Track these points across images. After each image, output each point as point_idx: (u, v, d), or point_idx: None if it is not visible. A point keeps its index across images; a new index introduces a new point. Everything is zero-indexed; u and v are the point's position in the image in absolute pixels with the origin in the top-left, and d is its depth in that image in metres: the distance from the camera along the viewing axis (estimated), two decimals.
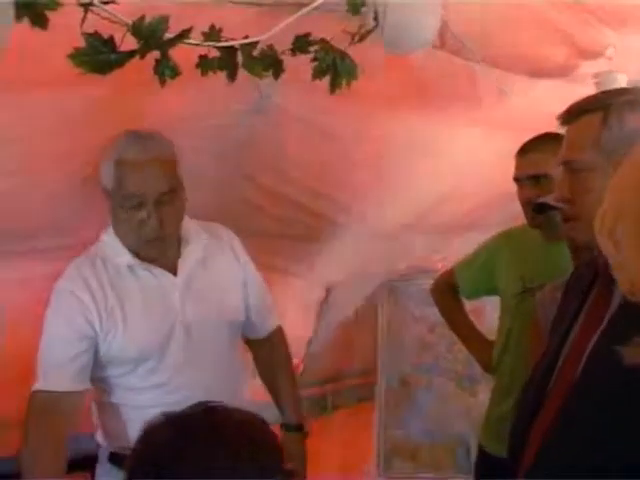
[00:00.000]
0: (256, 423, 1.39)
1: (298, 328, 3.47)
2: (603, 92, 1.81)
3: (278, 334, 2.64)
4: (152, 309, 2.26)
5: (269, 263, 2.75)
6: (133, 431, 2.18)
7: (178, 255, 2.32)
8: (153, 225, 2.19)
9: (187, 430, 1.33)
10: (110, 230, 2.28)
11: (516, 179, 2.65)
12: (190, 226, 2.34)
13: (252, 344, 2.61)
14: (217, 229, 2.45)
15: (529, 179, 2.59)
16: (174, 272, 2.30)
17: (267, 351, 2.62)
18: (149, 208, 2.17)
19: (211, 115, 2.28)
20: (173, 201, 2.21)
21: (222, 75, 1.72)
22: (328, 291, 3.67)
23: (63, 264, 2.25)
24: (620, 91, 1.73)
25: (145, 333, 2.25)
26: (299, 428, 2.53)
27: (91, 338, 2.21)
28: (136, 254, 2.26)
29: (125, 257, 2.26)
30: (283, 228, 3.04)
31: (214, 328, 2.35)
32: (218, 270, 2.39)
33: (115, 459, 2.33)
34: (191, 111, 2.23)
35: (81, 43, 1.47)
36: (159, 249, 2.26)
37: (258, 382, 2.66)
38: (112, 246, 2.27)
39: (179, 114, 2.21)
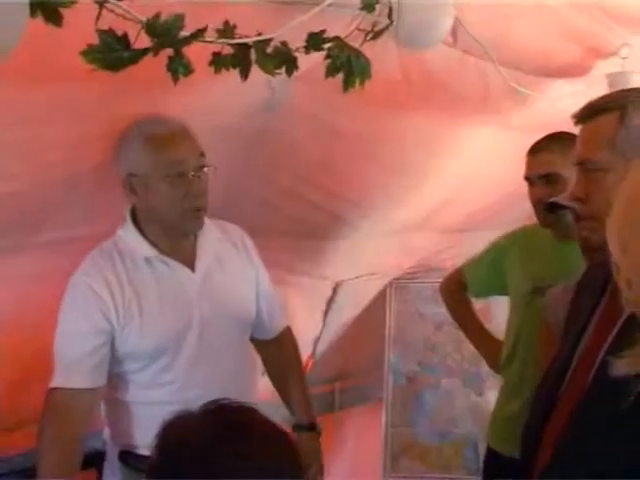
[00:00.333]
0: (275, 424, 1.40)
1: (306, 326, 3.47)
2: (619, 91, 1.79)
3: (287, 334, 2.63)
4: (169, 304, 2.24)
5: (277, 260, 2.74)
6: (143, 429, 2.22)
7: (194, 249, 2.31)
8: (197, 191, 2.18)
9: (216, 429, 1.32)
10: (128, 224, 2.26)
11: (527, 178, 2.65)
12: (205, 221, 2.32)
13: (261, 345, 2.58)
14: (230, 228, 2.45)
15: (540, 178, 2.58)
16: (191, 267, 2.29)
17: (276, 352, 2.61)
18: (192, 174, 2.16)
19: (222, 113, 2.26)
20: (203, 171, 2.21)
21: (233, 72, 1.71)
22: (336, 289, 3.66)
23: (76, 258, 2.23)
24: (637, 91, 1.71)
25: (162, 328, 2.23)
26: (312, 427, 2.52)
27: (108, 333, 2.19)
28: (155, 246, 2.24)
29: (145, 248, 2.24)
30: (292, 226, 3.03)
31: (228, 326, 2.34)
32: (233, 268, 2.38)
33: (124, 457, 2.32)
34: (202, 109, 2.22)
35: (92, 40, 1.46)
36: (195, 224, 2.25)
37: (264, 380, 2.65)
38: (131, 239, 2.25)
39: (190, 111, 2.20)
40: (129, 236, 2.25)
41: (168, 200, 2.18)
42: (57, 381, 2.18)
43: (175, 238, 2.27)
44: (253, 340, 2.53)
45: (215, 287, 2.31)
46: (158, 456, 1.35)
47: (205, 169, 2.22)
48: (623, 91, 1.81)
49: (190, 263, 2.29)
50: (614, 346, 1.59)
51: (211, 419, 1.36)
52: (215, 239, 2.36)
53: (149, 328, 2.21)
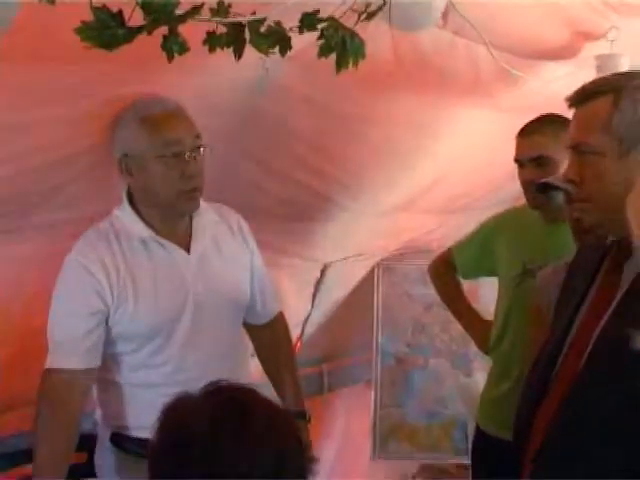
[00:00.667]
0: (275, 404, 1.43)
1: (294, 308, 3.47)
2: (613, 75, 1.79)
3: (279, 320, 2.62)
4: (164, 285, 2.24)
5: (266, 242, 2.73)
6: (136, 411, 2.23)
7: (189, 231, 2.31)
8: (193, 172, 2.18)
9: (217, 411, 1.33)
10: (124, 205, 2.26)
11: (517, 160, 2.65)
12: (201, 204, 2.31)
13: (253, 330, 2.57)
14: (226, 211, 2.44)
15: (531, 161, 2.59)
16: (186, 249, 2.29)
17: (268, 337, 2.60)
18: (188, 155, 2.16)
19: (214, 93, 2.26)
20: (199, 151, 2.20)
21: (225, 52, 1.70)
22: (324, 271, 3.67)
23: (70, 240, 2.22)
24: (632, 74, 1.72)
25: (156, 309, 2.22)
26: (302, 415, 2.50)
27: (102, 313, 2.19)
28: (151, 227, 2.24)
29: (141, 229, 2.23)
30: (281, 207, 3.03)
31: (222, 309, 2.34)
32: (228, 251, 2.38)
33: (116, 440, 2.32)
34: (194, 89, 2.21)
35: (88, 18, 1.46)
36: (191, 205, 2.24)
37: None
38: (127, 219, 2.24)
39: (181, 92, 2.19)
40: (125, 217, 2.25)
41: (163, 180, 2.17)
42: (53, 362, 2.18)
43: (171, 219, 2.27)
44: (245, 325, 2.52)
45: (210, 269, 2.31)
46: (160, 438, 1.36)
47: (201, 150, 2.21)
48: (616, 75, 1.81)
49: (186, 245, 2.29)
50: (609, 327, 1.61)
51: (212, 400, 1.37)
52: (211, 222, 2.35)
53: (143, 309, 2.21)
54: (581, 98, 1.67)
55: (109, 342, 2.24)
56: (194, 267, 2.28)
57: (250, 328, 2.55)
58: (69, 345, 2.18)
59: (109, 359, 2.27)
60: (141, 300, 2.20)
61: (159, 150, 2.15)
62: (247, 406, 1.35)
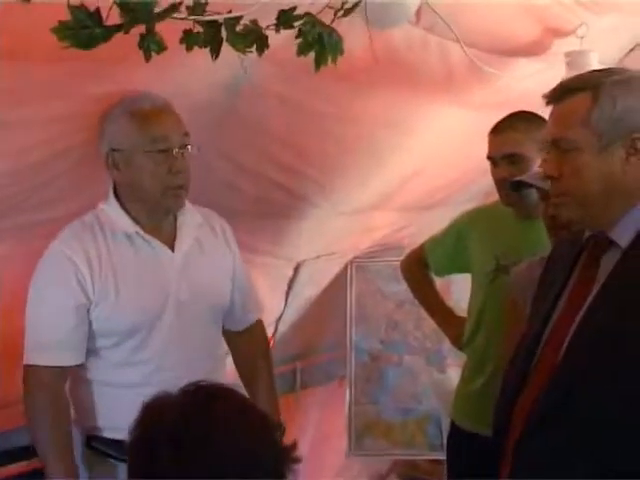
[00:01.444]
0: (253, 405, 1.43)
1: (268, 306, 3.45)
2: (591, 72, 1.82)
3: (258, 327, 2.60)
4: (146, 281, 2.22)
5: (239, 240, 2.71)
6: (113, 411, 2.21)
7: (174, 230, 2.29)
8: (179, 168, 2.18)
9: (188, 407, 1.33)
10: (110, 199, 2.24)
11: (490, 158, 2.66)
12: (186, 204, 2.31)
13: (231, 336, 2.53)
14: (210, 214, 2.43)
15: (504, 158, 2.60)
16: (171, 247, 2.27)
17: (246, 345, 2.56)
18: (175, 152, 2.16)
19: (188, 92, 2.25)
20: (187, 149, 2.21)
21: (199, 51, 1.69)
22: (297, 269, 3.66)
23: (49, 240, 2.20)
24: (610, 71, 1.74)
25: (137, 306, 2.20)
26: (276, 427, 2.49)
27: (85, 306, 2.17)
28: (137, 222, 2.23)
29: (127, 224, 2.22)
30: (254, 206, 3.02)
31: (204, 310, 2.32)
32: (211, 253, 2.37)
33: (90, 443, 2.29)
34: (167, 88, 2.20)
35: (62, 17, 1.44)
36: (176, 201, 2.23)
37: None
38: (112, 213, 2.22)
39: (158, 90, 2.18)
40: (111, 211, 2.23)
41: (150, 176, 2.17)
42: (41, 359, 2.15)
43: (156, 216, 2.26)
44: (223, 330, 2.48)
45: (193, 269, 2.30)
46: (135, 435, 1.35)
47: (189, 148, 2.21)
48: (595, 71, 1.84)
49: (170, 243, 2.28)
50: (586, 319, 1.63)
51: (187, 398, 1.37)
52: (196, 223, 2.34)
53: (124, 305, 2.19)
54: (559, 94, 1.69)
55: (89, 337, 2.21)
56: (178, 266, 2.26)
57: (228, 334, 2.51)
58: (58, 340, 2.15)
59: (88, 355, 2.24)
60: (122, 295, 2.18)
61: (147, 145, 2.15)
62: (221, 404, 1.35)
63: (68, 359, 2.18)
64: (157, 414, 1.35)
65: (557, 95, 1.69)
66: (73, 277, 2.14)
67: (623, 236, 1.65)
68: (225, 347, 2.58)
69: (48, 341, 2.16)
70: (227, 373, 2.57)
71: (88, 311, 2.18)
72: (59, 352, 2.16)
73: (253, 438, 1.34)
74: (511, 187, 2.38)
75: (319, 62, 1.75)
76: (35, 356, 2.16)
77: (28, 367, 2.16)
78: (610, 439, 1.55)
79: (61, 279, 2.15)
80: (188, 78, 2.15)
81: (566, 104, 1.67)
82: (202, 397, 1.37)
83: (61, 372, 2.17)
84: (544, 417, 1.63)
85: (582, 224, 1.73)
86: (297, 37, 1.73)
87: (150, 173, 2.16)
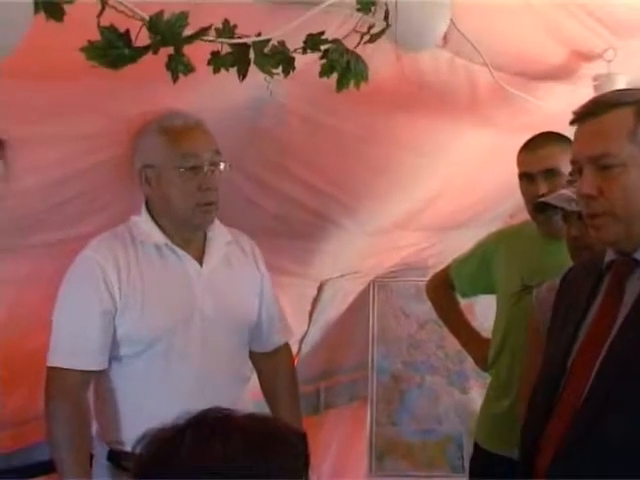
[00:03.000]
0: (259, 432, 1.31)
1: (292, 326, 3.46)
2: (623, 90, 1.78)
3: (285, 351, 2.59)
4: (173, 293, 2.25)
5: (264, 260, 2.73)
6: (136, 425, 2.18)
7: (203, 245, 2.32)
8: (210, 185, 2.21)
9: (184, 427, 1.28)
10: (142, 213, 2.28)
11: (525, 174, 2.63)
12: (215, 221, 2.34)
13: (257, 358, 2.52)
14: (240, 235, 2.46)
15: (541, 173, 2.58)
16: (199, 262, 2.29)
17: (272, 367, 2.55)
18: (206, 169, 2.19)
19: (213, 111, 2.27)
20: (218, 167, 2.24)
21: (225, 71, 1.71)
22: (320, 288, 3.66)
23: (71, 258, 2.22)
24: None
25: (161, 315, 2.22)
26: None
27: (111, 313, 2.19)
28: (167, 235, 2.25)
29: (157, 235, 2.25)
30: (278, 225, 3.03)
31: (229, 325, 2.33)
32: (239, 271, 2.39)
33: (114, 457, 2.28)
34: (192, 106, 2.22)
35: (91, 37, 1.46)
36: (206, 218, 2.26)
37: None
38: (144, 225, 2.26)
39: (179, 109, 2.20)
40: (142, 223, 2.27)
41: (180, 192, 2.20)
42: (66, 361, 2.16)
43: (186, 231, 2.29)
44: (250, 353, 2.48)
45: (220, 285, 2.31)
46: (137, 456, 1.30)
47: (221, 166, 2.24)
48: (628, 89, 1.81)
49: (199, 257, 2.30)
50: (616, 344, 1.61)
51: (189, 422, 1.30)
52: (225, 240, 2.37)
53: (149, 313, 2.20)
54: (596, 109, 1.63)
55: (113, 345, 2.22)
56: (205, 280, 2.28)
57: (253, 356, 2.51)
58: (83, 343, 2.16)
59: (111, 364, 2.25)
60: (148, 304, 2.20)
61: (177, 162, 2.19)
62: (214, 429, 1.24)
63: (91, 363, 2.19)
64: (155, 434, 1.29)
65: (592, 111, 1.63)
66: (101, 283, 2.17)
67: None
68: (251, 367, 2.57)
69: (72, 344, 2.17)
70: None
71: (114, 318, 2.19)
72: (83, 356, 2.17)
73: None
74: (535, 209, 2.37)
75: (341, 85, 1.77)
76: (59, 358, 2.17)
77: (51, 370, 2.17)
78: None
79: (89, 284, 2.18)
80: (213, 97, 2.17)
81: (605, 119, 1.61)
82: (200, 422, 1.30)
83: (84, 377, 2.18)
84: (578, 442, 1.61)
85: (619, 244, 1.67)
86: (321, 58, 1.75)
87: (180, 189, 2.20)
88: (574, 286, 1.84)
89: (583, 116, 1.65)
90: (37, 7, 1.33)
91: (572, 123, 1.69)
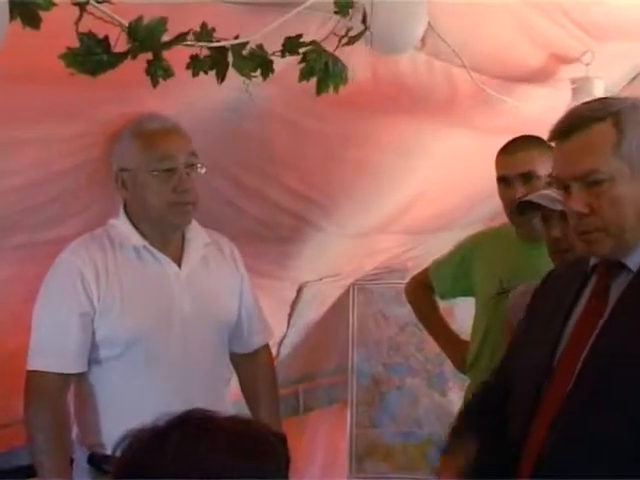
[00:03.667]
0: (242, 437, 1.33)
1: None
2: (599, 100, 1.75)
3: (265, 352, 2.59)
4: (151, 295, 2.25)
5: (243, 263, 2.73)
6: (116, 427, 2.17)
7: (181, 247, 2.32)
8: (186, 187, 2.20)
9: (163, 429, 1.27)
10: (121, 215, 2.27)
11: (503, 178, 2.64)
12: (193, 223, 2.34)
13: (237, 360, 2.52)
14: (218, 236, 2.45)
15: (518, 177, 2.58)
16: (178, 264, 2.29)
17: (252, 369, 2.55)
18: (181, 170, 2.19)
19: (191, 112, 2.26)
20: (194, 168, 2.23)
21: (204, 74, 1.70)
22: (300, 291, 3.65)
23: (48, 261, 2.21)
24: (618, 99, 1.72)
25: (140, 316, 2.22)
26: None
27: (89, 315, 2.18)
28: (146, 238, 2.25)
29: (135, 238, 2.25)
30: (257, 227, 3.02)
31: (208, 326, 2.33)
32: (218, 274, 2.38)
33: (94, 460, 2.26)
34: (171, 109, 2.21)
35: (70, 42, 1.45)
36: (183, 218, 2.26)
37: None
38: (122, 228, 2.26)
39: (161, 111, 2.19)
40: (121, 225, 2.27)
41: (156, 194, 2.20)
42: (44, 364, 2.15)
43: (164, 233, 2.29)
44: (230, 355, 2.48)
45: (199, 286, 2.31)
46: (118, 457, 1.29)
47: (198, 167, 2.24)
48: (603, 99, 1.79)
49: (177, 259, 2.30)
50: (597, 345, 1.61)
51: (172, 423, 1.29)
52: (203, 242, 2.36)
53: (127, 315, 2.20)
54: (575, 126, 1.61)
55: (92, 348, 2.22)
56: (183, 282, 2.28)
57: (234, 356, 2.50)
58: (61, 346, 2.16)
59: (91, 368, 2.24)
60: (127, 306, 2.20)
61: (152, 165, 2.19)
62: (191, 431, 1.28)
63: (70, 366, 2.18)
64: (135, 435, 1.28)
65: (571, 127, 1.61)
66: (80, 285, 2.17)
67: (636, 260, 1.63)
68: (231, 368, 2.57)
69: (51, 347, 2.17)
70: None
71: (92, 320, 2.19)
72: (61, 359, 2.16)
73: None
74: (516, 210, 2.37)
75: (321, 88, 1.77)
76: (37, 362, 2.16)
77: (30, 373, 2.17)
78: (627, 463, 1.54)
79: (67, 286, 2.17)
80: (192, 99, 2.17)
81: (586, 135, 1.60)
82: (179, 424, 1.30)
83: (63, 381, 2.18)
84: (557, 445, 1.61)
85: (611, 256, 1.66)
86: (300, 62, 1.75)
87: (155, 192, 2.20)
88: (558, 287, 1.84)
89: (563, 133, 1.63)
90: (12, 14, 1.31)
91: (551, 140, 1.68)
